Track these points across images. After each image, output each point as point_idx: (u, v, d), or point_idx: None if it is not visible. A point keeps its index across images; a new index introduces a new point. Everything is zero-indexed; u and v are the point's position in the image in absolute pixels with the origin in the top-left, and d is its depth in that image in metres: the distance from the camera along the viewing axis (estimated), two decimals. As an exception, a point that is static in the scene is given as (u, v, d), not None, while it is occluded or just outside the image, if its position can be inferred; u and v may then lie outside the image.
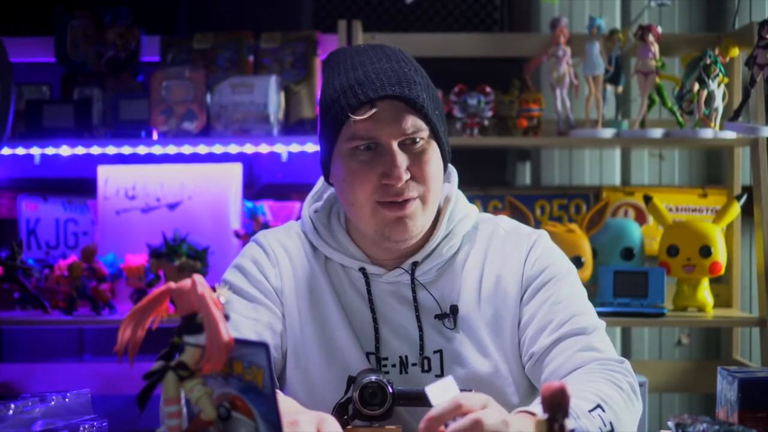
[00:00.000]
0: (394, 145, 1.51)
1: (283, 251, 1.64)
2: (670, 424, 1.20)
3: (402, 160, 1.51)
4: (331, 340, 1.59)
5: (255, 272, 1.62)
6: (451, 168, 1.67)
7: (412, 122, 1.51)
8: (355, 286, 1.61)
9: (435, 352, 1.58)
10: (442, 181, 1.59)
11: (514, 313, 1.59)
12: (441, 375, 1.57)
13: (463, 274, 1.61)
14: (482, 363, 1.58)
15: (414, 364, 1.58)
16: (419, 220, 1.55)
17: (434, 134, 1.54)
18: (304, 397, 1.57)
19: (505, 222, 1.67)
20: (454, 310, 1.58)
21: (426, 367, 1.58)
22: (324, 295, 1.60)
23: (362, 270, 1.60)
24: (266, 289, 1.62)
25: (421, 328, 1.58)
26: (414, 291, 1.59)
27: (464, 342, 1.58)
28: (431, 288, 1.60)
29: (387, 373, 1.56)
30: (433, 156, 1.55)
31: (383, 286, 1.60)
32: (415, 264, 1.59)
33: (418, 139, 1.52)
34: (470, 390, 1.44)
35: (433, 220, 1.59)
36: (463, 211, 1.64)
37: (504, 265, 1.61)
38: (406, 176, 1.51)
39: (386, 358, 1.58)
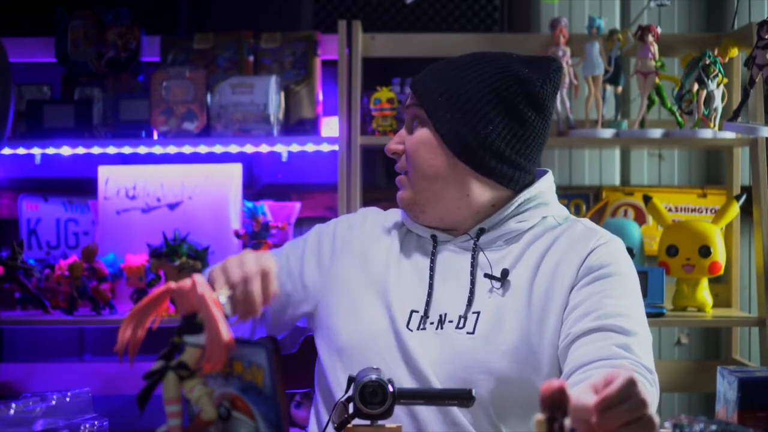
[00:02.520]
0: (407, 122, 1.73)
1: (373, 220, 1.80)
2: (668, 425, 1.20)
3: (402, 133, 1.73)
4: (383, 294, 1.68)
5: (328, 229, 1.81)
6: (543, 171, 1.76)
7: (411, 102, 1.72)
8: (424, 250, 1.72)
9: (474, 312, 1.62)
10: (431, 165, 1.67)
11: (564, 297, 1.61)
12: (472, 333, 1.61)
13: (528, 251, 1.66)
14: (516, 335, 1.59)
15: (450, 321, 1.63)
16: (406, 192, 1.71)
17: (432, 120, 1.67)
18: (347, 332, 1.67)
19: (589, 222, 1.73)
20: (505, 273, 1.63)
21: (460, 325, 1.62)
22: (390, 258, 1.72)
23: (433, 237, 1.71)
24: (327, 240, 1.79)
25: (473, 283, 1.64)
26: (474, 251, 1.67)
27: (507, 309, 1.61)
28: (493, 255, 1.67)
29: (424, 329, 1.63)
30: (422, 137, 1.68)
31: (449, 248, 1.70)
32: (482, 231, 1.68)
33: (415, 121, 1.71)
34: (471, 389, 1.45)
35: (507, 198, 1.69)
36: (543, 199, 1.71)
37: (569, 252, 1.64)
38: (395, 147, 1.72)
39: (428, 317, 1.64)
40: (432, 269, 1.68)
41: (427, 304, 1.65)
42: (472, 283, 1.65)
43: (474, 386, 1.54)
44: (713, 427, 1.10)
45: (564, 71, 1.72)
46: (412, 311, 1.66)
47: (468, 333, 1.61)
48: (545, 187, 1.73)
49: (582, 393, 1.15)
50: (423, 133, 1.69)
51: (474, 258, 1.67)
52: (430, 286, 1.67)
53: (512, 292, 1.63)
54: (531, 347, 1.59)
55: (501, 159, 1.66)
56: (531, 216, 1.69)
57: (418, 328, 1.64)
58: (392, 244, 1.74)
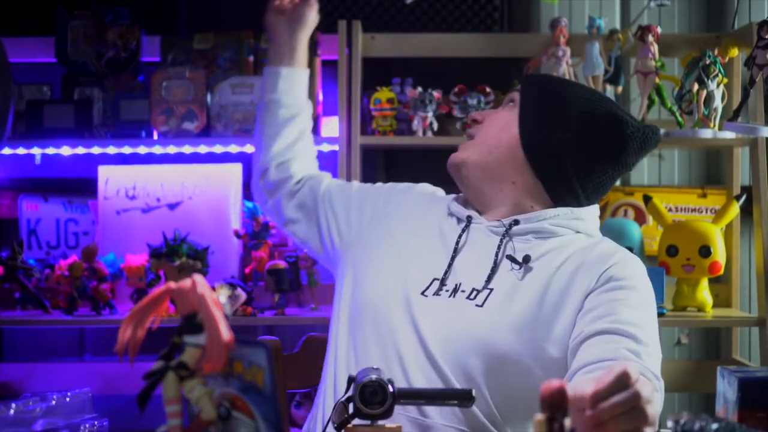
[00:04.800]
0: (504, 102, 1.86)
1: (429, 195, 1.92)
2: (669, 423, 1.20)
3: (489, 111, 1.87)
4: (406, 262, 1.75)
5: (391, 190, 1.94)
6: (589, 210, 1.80)
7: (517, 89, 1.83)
8: (458, 228, 1.78)
9: (488, 289, 1.67)
10: (498, 136, 1.77)
11: (579, 300, 1.64)
12: (481, 306, 1.65)
13: (554, 250, 1.70)
14: (525, 318, 1.63)
15: (463, 291, 1.68)
16: (462, 153, 1.81)
17: (521, 106, 1.78)
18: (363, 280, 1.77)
19: (619, 246, 1.77)
20: (526, 258, 1.68)
21: (471, 296, 1.67)
22: (426, 229, 1.80)
23: (468, 218, 1.77)
24: (375, 199, 1.92)
25: (496, 263, 1.69)
26: (503, 237, 1.72)
27: (521, 293, 1.65)
28: (520, 245, 1.72)
29: (439, 295, 1.69)
30: (506, 114, 1.79)
31: (481, 228, 1.76)
32: (516, 222, 1.73)
33: (510, 103, 1.82)
34: (471, 389, 1.46)
35: (547, 206, 1.77)
36: (583, 218, 1.77)
37: (592, 259, 1.68)
38: (477, 115, 1.84)
39: (445, 284, 1.70)
40: (458, 242, 1.73)
41: (446, 272, 1.70)
42: (495, 263, 1.69)
43: (473, 357, 1.60)
44: (714, 425, 1.10)
45: (659, 138, 1.82)
46: (434, 279, 1.71)
47: (477, 306, 1.65)
48: (588, 214, 1.78)
49: (582, 383, 1.16)
50: (508, 112, 1.78)
51: (502, 242, 1.71)
52: (453, 256, 1.72)
53: (530, 279, 1.67)
54: (535, 335, 1.62)
55: (562, 174, 1.74)
56: (567, 225, 1.74)
57: (434, 294, 1.69)
58: (432, 218, 1.82)
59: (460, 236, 1.74)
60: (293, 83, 2.08)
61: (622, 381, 1.14)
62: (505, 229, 1.73)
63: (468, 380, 1.61)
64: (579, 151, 1.73)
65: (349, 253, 1.88)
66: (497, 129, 1.78)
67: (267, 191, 2.09)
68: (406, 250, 1.77)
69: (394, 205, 1.89)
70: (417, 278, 1.72)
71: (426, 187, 1.96)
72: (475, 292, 1.67)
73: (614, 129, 1.74)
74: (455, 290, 1.68)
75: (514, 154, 1.75)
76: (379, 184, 1.99)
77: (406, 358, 1.65)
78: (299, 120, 2.09)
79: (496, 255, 1.70)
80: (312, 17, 2.11)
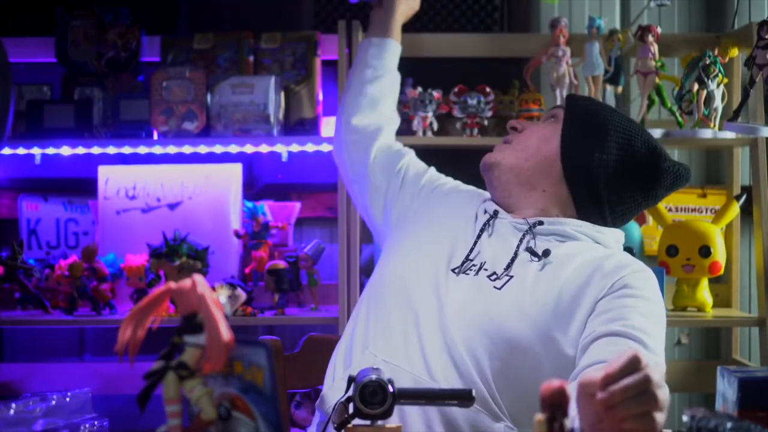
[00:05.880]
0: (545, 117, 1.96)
1: (479, 195, 1.99)
2: (685, 418, 1.19)
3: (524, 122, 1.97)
4: (447, 244, 1.82)
5: (444, 181, 2.05)
6: (613, 230, 1.86)
7: (560, 106, 1.92)
8: (486, 217, 1.86)
9: (508, 276, 1.72)
10: (538, 146, 1.85)
11: (592, 302, 1.67)
12: (500, 289, 1.70)
13: (573, 251, 1.75)
14: (540, 309, 1.66)
15: (485, 270, 1.75)
16: (497, 155, 1.89)
17: (566, 123, 1.85)
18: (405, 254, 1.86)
19: (636, 259, 1.80)
20: (546, 252, 1.74)
21: (492, 278, 1.73)
22: (468, 222, 1.86)
23: (495, 212, 1.85)
24: (430, 185, 2.03)
25: (516, 253, 1.75)
26: (526, 233, 1.79)
27: (539, 285, 1.69)
28: (541, 243, 1.77)
29: (467, 273, 1.75)
30: (549, 127, 1.87)
31: (505, 223, 1.83)
32: (540, 223, 1.79)
33: (552, 119, 1.91)
34: (471, 389, 1.46)
35: (572, 215, 1.84)
36: (603, 233, 1.83)
37: (609, 266, 1.71)
38: (516, 124, 1.94)
39: (474, 263, 1.77)
40: (482, 229, 1.82)
41: (471, 250, 1.78)
42: (516, 253, 1.75)
43: (484, 337, 1.64)
44: (729, 423, 1.10)
45: (689, 178, 1.94)
46: (464, 259, 1.78)
47: (495, 288, 1.70)
48: (611, 232, 1.84)
49: (591, 371, 1.16)
50: (550, 126, 1.87)
51: (524, 237, 1.77)
52: (476, 241, 1.80)
53: (548, 274, 1.71)
54: (549, 326, 1.65)
55: (594, 193, 1.81)
56: (589, 235, 1.80)
57: (463, 273, 1.76)
58: (471, 211, 1.90)
59: (486, 224, 1.82)
60: (382, 50, 2.26)
61: (633, 365, 1.15)
62: (528, 226, 1.79)
63: (475, 361, 1.64)
64: (615, 175, 1.81)
65: (395, 232, 1.98)
66: (538, 139, 1.87)
67: (347, 149, 2.16)
68: (442, 235, 1.84)
69: (444, 200, 1.98)
70: (450, 257, 1.79)
71: (477, 191, 2.04)
72: (495, 276, 1.73)
73: (652, 160, 1.83)
74: (480, 268, 1.75)
75: (551, 166, 1.84)
76: (441, 179, 2.08)
77: (423, 325, 1.69)
78: (383, 81, 2.23)
79: (518, 246, 1.76)
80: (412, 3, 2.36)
